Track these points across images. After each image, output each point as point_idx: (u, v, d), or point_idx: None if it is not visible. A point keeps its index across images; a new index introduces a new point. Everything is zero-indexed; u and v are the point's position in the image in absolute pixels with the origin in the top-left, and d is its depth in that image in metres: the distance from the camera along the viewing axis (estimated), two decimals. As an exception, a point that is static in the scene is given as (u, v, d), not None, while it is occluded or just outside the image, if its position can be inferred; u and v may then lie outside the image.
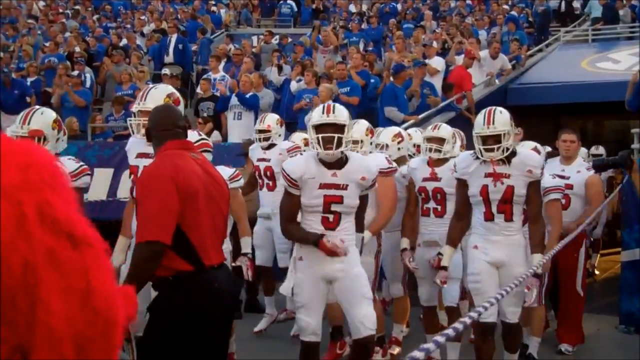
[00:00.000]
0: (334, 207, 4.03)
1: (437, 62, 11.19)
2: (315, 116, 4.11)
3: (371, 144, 5.39)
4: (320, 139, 3.96)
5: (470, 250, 4.59)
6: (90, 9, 19.37)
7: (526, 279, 4.18)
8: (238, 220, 4.88)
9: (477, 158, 4.46)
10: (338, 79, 10.02)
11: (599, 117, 14.70)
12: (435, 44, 12.63)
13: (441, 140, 5.14)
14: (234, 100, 10.00)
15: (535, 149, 5.48)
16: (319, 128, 4.00)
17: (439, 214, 5.13)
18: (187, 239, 2.97)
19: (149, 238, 2.88)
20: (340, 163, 4.05)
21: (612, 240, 9.28)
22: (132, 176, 4.48)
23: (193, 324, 2.99)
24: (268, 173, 6.21)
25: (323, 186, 4.03)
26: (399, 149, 5.62)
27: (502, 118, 4.45)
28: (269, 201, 6.17)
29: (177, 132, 3.22)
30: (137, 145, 4.43)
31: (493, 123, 4.41)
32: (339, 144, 3.97)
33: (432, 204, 5.15)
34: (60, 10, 18.61)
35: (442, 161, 5.13)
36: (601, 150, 8.71)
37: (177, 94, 4.33)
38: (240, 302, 3.51)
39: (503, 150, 4.37)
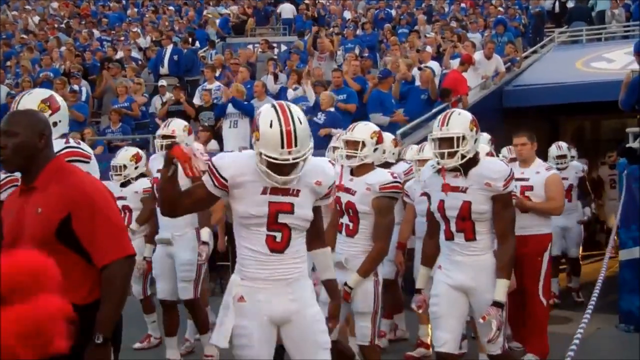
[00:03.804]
0: (281, 219, 3.12)
1: (432, 67, 11.20)
2: None
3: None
4: None
5: (436, 270, 4.08)
6: (83, 22, 19.41)
7: (486, 309, 3.78)
8: None
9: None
10: (334, 87, 10.05)
11: (596, 116, 14.69)
12: (429, 48, 12.65)
13: (355, 144, 4.33)
14: (230, 108, 10.03)
15: (490, 154, 5.06)
16: None
17: (350, 232, 4.34)
18: None
19: (126, 253, 2.75)
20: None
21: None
22: None
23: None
24: None
25: (268, 191, 3.13)
26: None
27: (458, 120, 3.89)
28: (169, 223, 5.20)
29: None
30: None
31: (447, 125, 3.88)
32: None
33: (345, 220, 4.37)
34: (55, 25, 18.66)
35: (363, 169, 4.33)
36: (564, 150, 8.13)
37: (57, 99, 3.66)
38: None
39: (458, 157, 3.81)
